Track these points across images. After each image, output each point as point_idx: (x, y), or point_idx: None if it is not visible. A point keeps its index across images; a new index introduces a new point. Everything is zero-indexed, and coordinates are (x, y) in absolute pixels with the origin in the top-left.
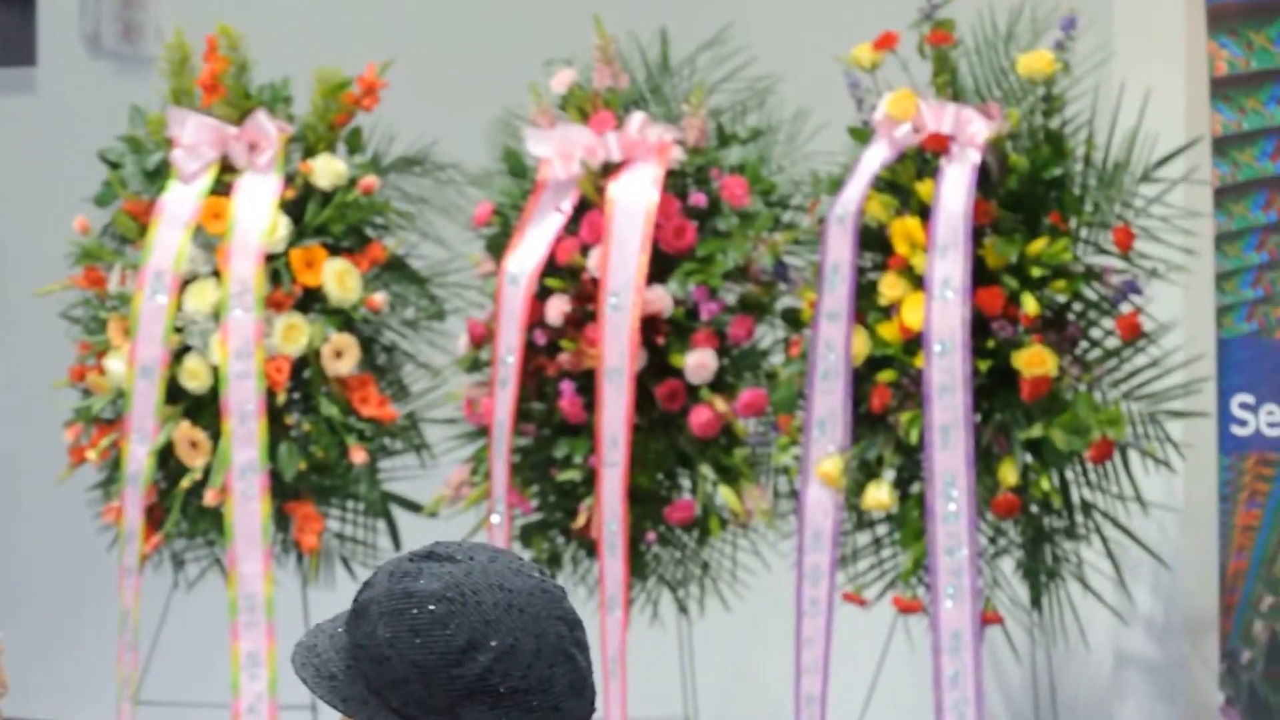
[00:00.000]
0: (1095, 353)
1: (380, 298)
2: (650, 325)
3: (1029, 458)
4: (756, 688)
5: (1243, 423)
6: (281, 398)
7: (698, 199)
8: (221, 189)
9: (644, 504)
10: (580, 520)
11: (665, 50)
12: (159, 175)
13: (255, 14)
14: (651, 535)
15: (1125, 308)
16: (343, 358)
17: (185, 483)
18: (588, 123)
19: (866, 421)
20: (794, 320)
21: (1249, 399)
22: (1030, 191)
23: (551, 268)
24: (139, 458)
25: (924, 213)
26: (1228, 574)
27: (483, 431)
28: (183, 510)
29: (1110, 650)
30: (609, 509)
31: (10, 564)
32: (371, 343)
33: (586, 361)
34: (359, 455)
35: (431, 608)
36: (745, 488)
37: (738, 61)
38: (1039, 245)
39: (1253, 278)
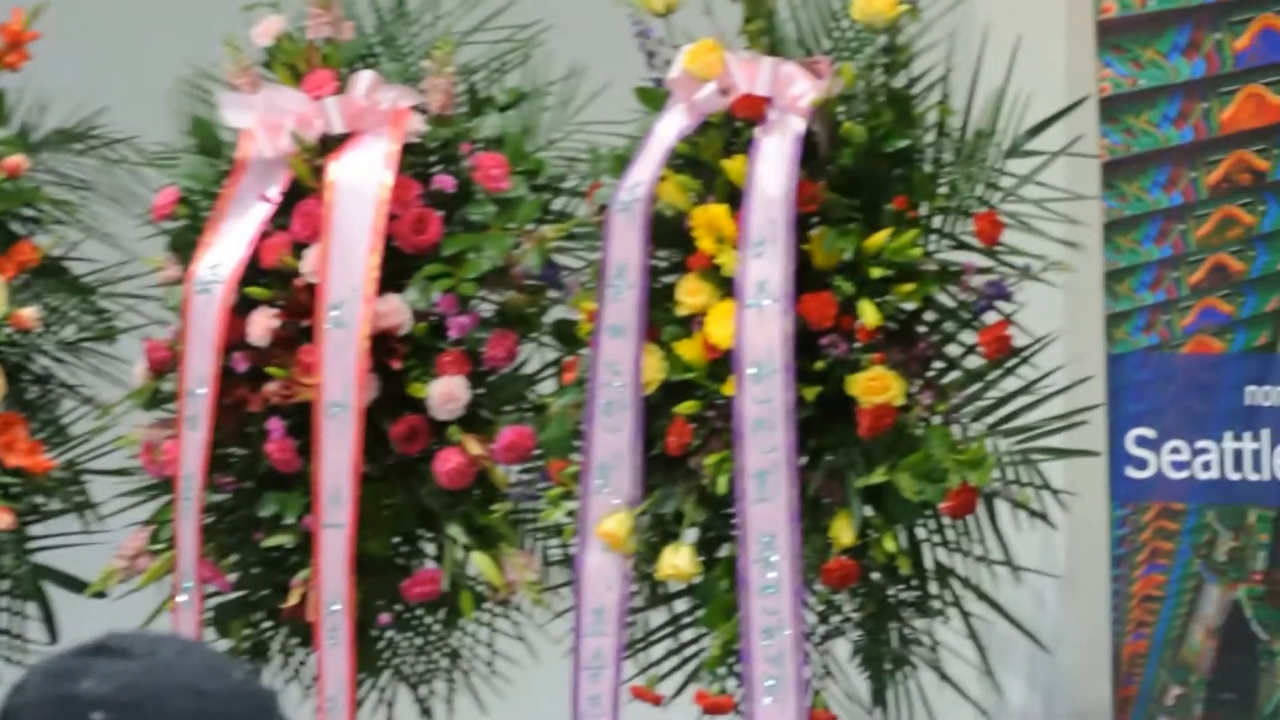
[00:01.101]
0: (953, 375)
1: (30, 313)
2: (382, 345)
3: (869, 511)
4: None
5: (1141, 463)
6: None
7: (443, 182)
8: None
9: (376, 576)
10: (292, 599)
11: None
12: None
13: None
14: (385, 617)
15: (990, 318)
16: None
17: None
18: (300, 85)
19: (662, 466)
20: (568, 337)
21: (1148, 433)
22: (869, 170)
23: (255, 272)
24: None
25: (733, 198)
26: (1123, 658)
27: (166, 485)
28: None
29: None
30: (329, 584)
31: None
32: (19, 371)
33: (301, 393)
34: (3, 518)
35: (99, 717)
36: (506, 554)
37: (495, 4)
38: (880, 239)
39: (1151, 277)
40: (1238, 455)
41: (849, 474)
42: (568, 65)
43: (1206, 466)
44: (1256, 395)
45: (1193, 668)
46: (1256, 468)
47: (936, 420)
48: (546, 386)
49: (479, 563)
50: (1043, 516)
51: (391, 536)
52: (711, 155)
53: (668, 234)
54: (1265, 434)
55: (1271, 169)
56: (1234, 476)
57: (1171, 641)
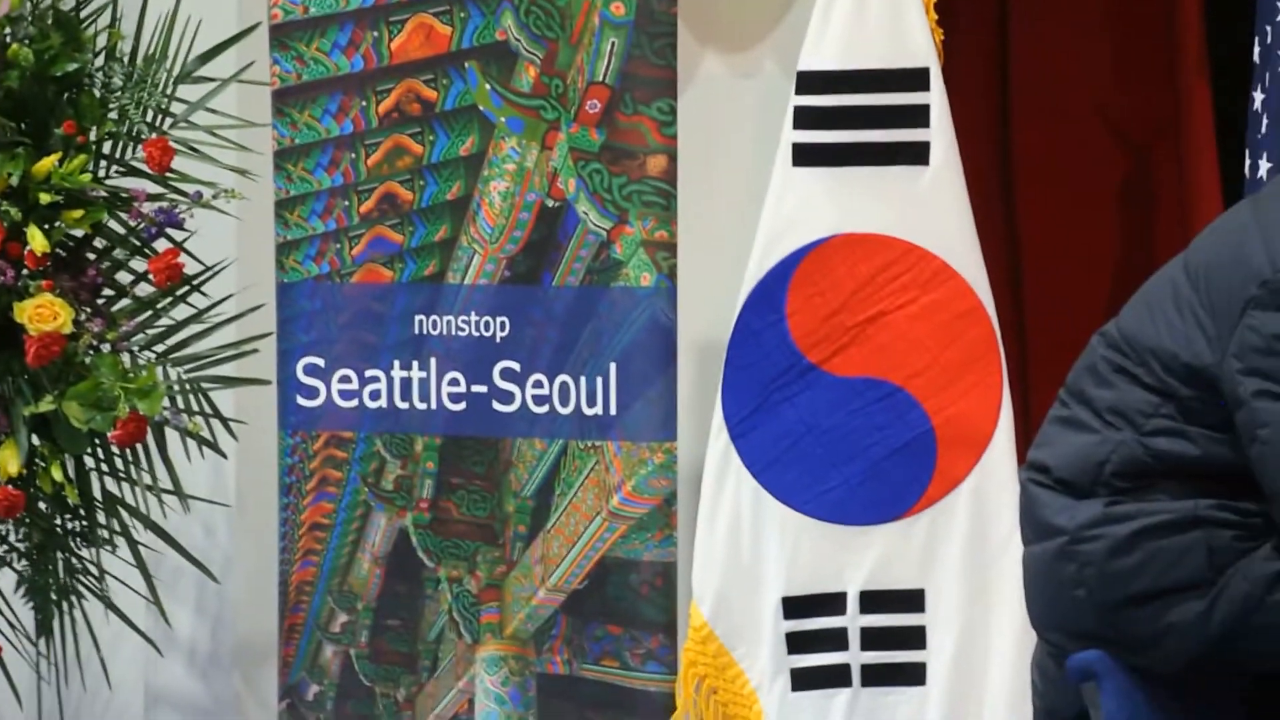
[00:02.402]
0: (123, 303)
1: None
2: None
3: (36, 439)
4: None
5: (311, 392)
6: None
7: None
8: None
9: None
10: None
11: None
12: None
13: None
14: None
15: (161, 245)
16: None
17: None
18: None
19: None
20: None
21: (318, 361)
22: (36, 93)
23: None
24: None
25: None
26: (290, 587)
27: None
28: None
29: (141, 688)
30: None
31: None
32: None
33: None
34: None
35: None
36: None
37: None
38: (48, 164)
39: (322, 206)
40: (405, 384)
41: (16, 402)
42: None
43: (375, 395)
44: (425, 324)
45: (360, 595)
46: (424, 397)
47: (106, 348)
48: None
49: None
50: (213, 445)
51: None
52: None
53: None
54: (433, 363)
55: (441, 99)
56: (402, 405)
57: (339, 569)
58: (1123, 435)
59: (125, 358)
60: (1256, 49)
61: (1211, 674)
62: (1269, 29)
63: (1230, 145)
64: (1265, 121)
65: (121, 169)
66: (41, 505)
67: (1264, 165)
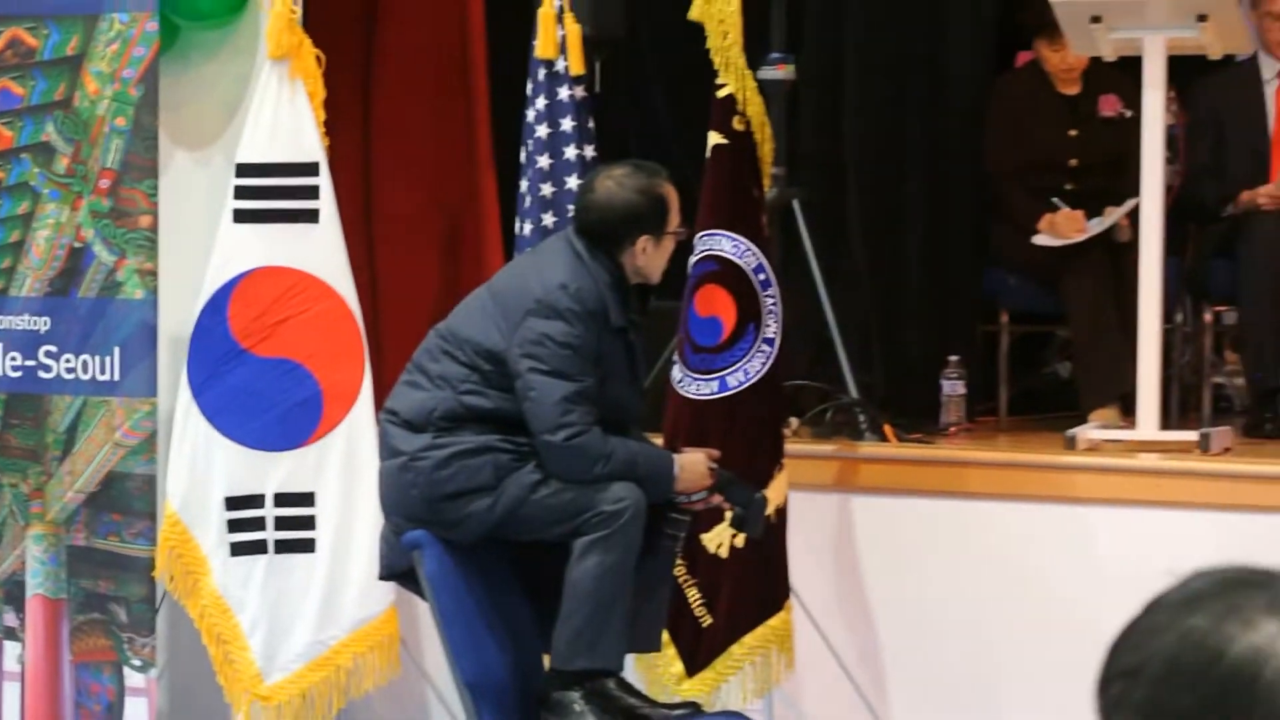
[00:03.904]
0: None
1: None
2: None
3: None
4: None
5: None
6: None
7: None
8: None
9: None
10: None
11: None
12: None
13: None
14: None
15: None
16: None
17: None
18: None
19: None
20: None
21: None
22: None
23: None
24: None
25: None
26: None
27: None
28: None
29: None
30: None
31: None
32: None
33: None
34: None
35: None
36: None
37: None
38: None
39: None
40: None
41: None
42: None
43: None
44: None
45: None
46: None
47: None
48: None
49: None
50: None
51: None
52: None
53: None
54: (1, 346)
55: (5, 178)
56: None
57: None
58: (445, 394)
59: None
60: (523, 153)
61: (491, 543)
62: (530, 142)
63: (509, 211)
64: (528, 199)
65: None
66: None
67: (528, 226)
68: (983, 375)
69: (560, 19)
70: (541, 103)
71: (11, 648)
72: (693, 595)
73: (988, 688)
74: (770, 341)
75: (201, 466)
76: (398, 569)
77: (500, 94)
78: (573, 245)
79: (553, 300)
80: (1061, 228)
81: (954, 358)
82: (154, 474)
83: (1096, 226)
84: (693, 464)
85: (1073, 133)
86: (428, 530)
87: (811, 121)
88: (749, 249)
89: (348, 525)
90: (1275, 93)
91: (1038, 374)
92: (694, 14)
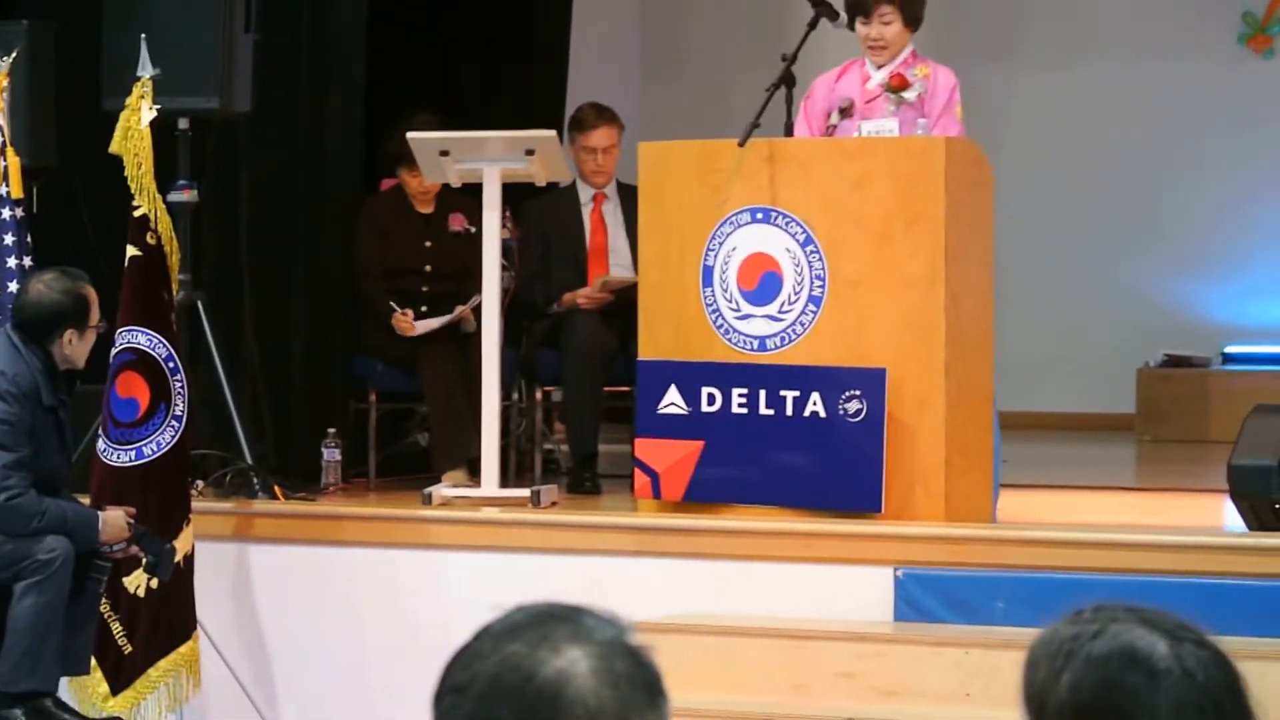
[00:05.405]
0: None
1: None
2: None
3: None
4: None
5: None
6: None
7: None
8: None
9: None
10: None
11: None
12: None
13: None
14: None
15: None
16: None
17: None
18: None
19: None
20: None
21: None
22: None
23: None
24: None
25: None
26: None
27: None
28: None
29: None
30: None
31: None
32: None
33: None
34: None
35: None
36: None
37: None
38: None
39: None
40: None
41: None
42: None
43: None
44: None
45: None
46: None
47: None
48: None
49: None
50: None
51: None
52: None
53: None
54: None
55: None
56: None
57: None
58: None
59: None
60: None
61: None
62: None
63: None
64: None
65: None
66: None
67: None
68: (355, 444)
69: (3, 151)
70: None
71: None
72: (116, 628)
73: (364, 703)
74: (179, 418)
75: None
76: None
77: None
78: (10, 338)
79: None
80: (401, 325)
81: (332, 430)
82: None
83: (424, 326)
84: (114, 519)
85: (428, 244)
86: None
87: (211, 236)
88: (160, 341)
89: None
90: (590, 213)
91: (400, 443)
92: (114, 148)
